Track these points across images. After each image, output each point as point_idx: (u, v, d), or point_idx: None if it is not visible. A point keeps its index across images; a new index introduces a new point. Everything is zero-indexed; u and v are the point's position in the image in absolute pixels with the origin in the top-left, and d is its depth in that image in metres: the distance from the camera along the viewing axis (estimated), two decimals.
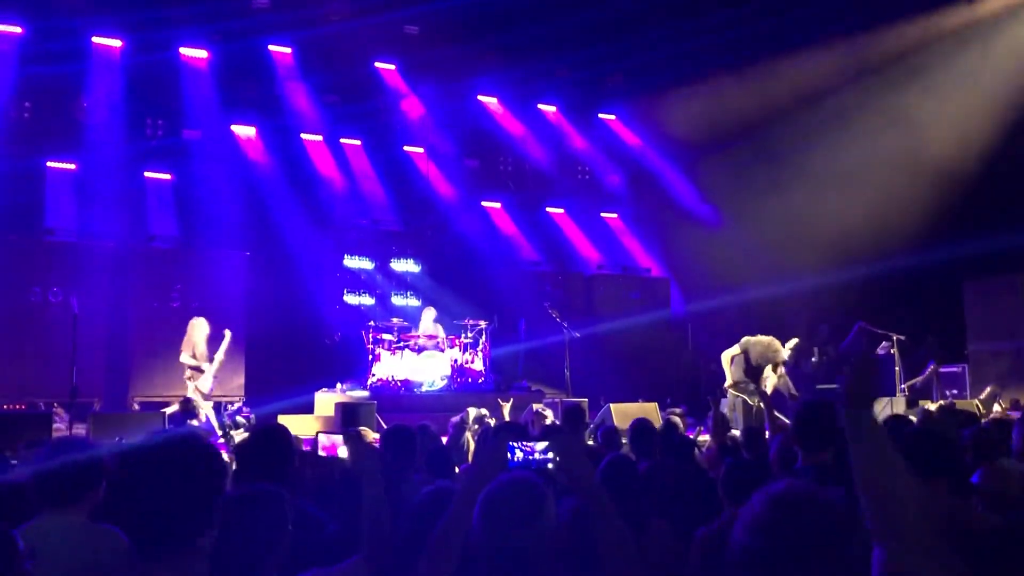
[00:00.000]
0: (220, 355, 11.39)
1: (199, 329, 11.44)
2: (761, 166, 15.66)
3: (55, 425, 9.65)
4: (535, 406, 8.26)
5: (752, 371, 10.74)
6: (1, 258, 13.09)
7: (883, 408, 11.32)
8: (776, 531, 1.57)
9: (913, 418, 6.02)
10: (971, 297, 15.15)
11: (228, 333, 11.43)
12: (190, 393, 10.99)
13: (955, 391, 13.70)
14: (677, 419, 6.92)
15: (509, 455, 2.46)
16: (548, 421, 7.40)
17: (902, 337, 12.81)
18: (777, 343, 10.90)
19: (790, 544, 1.55)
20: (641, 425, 5.23)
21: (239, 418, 10.97)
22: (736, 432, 6.60)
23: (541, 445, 2.47)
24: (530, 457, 2.46)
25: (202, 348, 11.41)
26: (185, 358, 11.32)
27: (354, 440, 3.04)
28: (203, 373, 11.24)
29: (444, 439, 6.85)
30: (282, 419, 11.00)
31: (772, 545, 1.57)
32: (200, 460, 1.83)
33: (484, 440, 5.36)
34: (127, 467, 1.77)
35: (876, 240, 14.28)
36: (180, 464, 1.79)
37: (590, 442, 6.96)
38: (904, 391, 12.60)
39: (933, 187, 13.89)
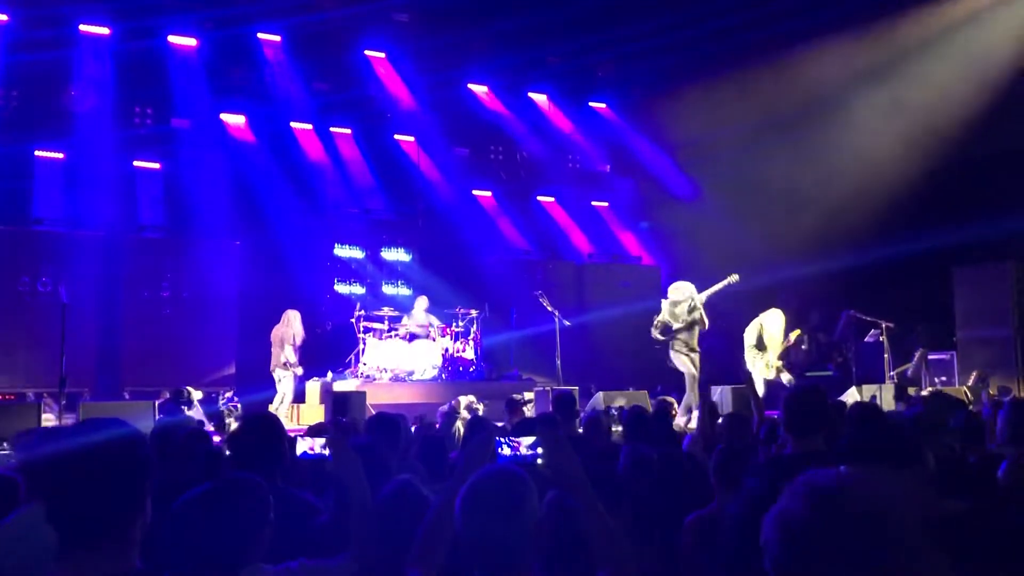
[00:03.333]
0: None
1: (298, 321, 12.07)
2: (751, 154, 15.67)
3: (45, 415, 9.62)
4: (463, 399, 7.72)
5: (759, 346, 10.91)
6: None
7: (870, 397, 11.36)
8: (822, 528, 1.44)
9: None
10: (960, 284, 15.20)
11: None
12: (287, 381, 11.79)
13: (944, 378, 13.78)
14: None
15: (497, 451, 2.44)
16: (466, 414, 6.89)
17: (891, 324, 12.86)
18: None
19: (835, 539, 1.43)
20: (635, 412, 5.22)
21: (229, 407, 11.00)
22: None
23: (528, 440, 2.45)
24: (517, 452, 2.44)
25: (300, 339, 12.00)
26: (289, 351, 11.84)
27: (335, 444, 2.99)
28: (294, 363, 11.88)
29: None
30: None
31: (817, 541, 1.44)
32: (124, 453, 1.84)
33: (472, 432, 5.36)
34: (55, 463, 1.79)
35: (866, 228, 14.32)
36: (104, 458, 1.80)
37: (580, 430, 6.97)
38: (893, 378, 12.67)
39: (922, 175, 13.93)
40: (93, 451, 1.79)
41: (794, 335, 11.19)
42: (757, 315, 11.35)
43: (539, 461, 2.40)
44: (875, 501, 1.43)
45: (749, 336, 11.20)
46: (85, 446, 1.79)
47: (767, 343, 11.01)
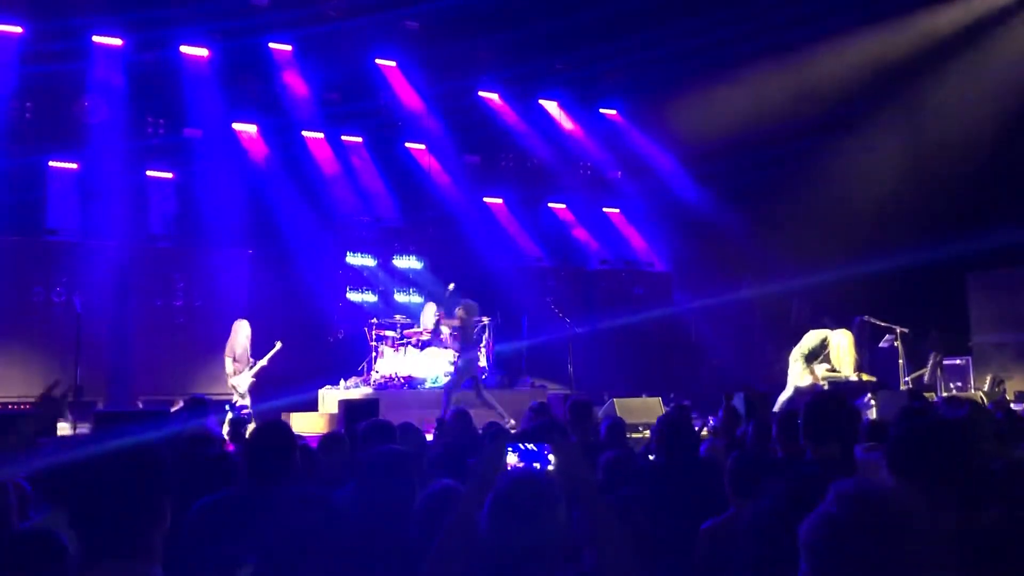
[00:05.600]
0: (264, 361, 11.99)
1: (241, 332, 12.05)
2: (764, 161, 15.62)
3: (59, 424, 9.66)
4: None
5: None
6: (4, 258, 13.13)
7: (883, 402, 11.25)
8: (851, 530, 1.49)
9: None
10: (975, 290, 15.12)
11: (279, 344, 12.09)
12: (237, 393, 11.77)
13: (959, 383, 13.68)
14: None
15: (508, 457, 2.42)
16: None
17: (905, 330, 12.78)
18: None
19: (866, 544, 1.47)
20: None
21: (242, 415, 11.02)
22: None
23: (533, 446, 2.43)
24: (532, 463, 2.42)
25: (241, 350, 11.90)
26: (229, 364, 11.95)
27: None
28: (241, 374, 11.87)
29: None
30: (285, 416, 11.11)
31: (848, 544, 1.48)
32: (142, 461, 1.84)
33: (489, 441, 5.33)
34: (77, 470, 1.79)
35: (880, 233, 14.26)
36: (123, 465, 1.80)
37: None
38: (908, 384, 12.57)
39: (937, 180, 13.85)
40: (112, 459, 1.79)
41: (866, 378, 11.18)
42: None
43: (549, 468, 2.38)
44: (905, 510, 1.47)
45: (805, 344, 11.19)
46: (104, 454, 1.79)
47: (835, 360, 11.00)
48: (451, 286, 12.96)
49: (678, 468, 4.49)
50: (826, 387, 10.92)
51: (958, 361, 14.16)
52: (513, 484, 2.19)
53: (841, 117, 15.14)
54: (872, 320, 13.11)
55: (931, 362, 13.48)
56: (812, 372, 10.97)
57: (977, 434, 3.58)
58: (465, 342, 11.85)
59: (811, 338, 11.25)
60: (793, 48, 14.53)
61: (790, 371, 11.19)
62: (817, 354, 11.11)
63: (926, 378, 13.27)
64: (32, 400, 11.46)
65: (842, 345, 11.06)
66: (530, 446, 2.45)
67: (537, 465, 2.40)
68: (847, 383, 11.24)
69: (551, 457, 2.41)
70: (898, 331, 12.73)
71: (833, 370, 11.04)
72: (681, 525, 3.88)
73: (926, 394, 11.37)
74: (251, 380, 11.95)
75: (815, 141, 15.27)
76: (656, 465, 4.63)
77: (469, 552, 2.25)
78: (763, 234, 15.91)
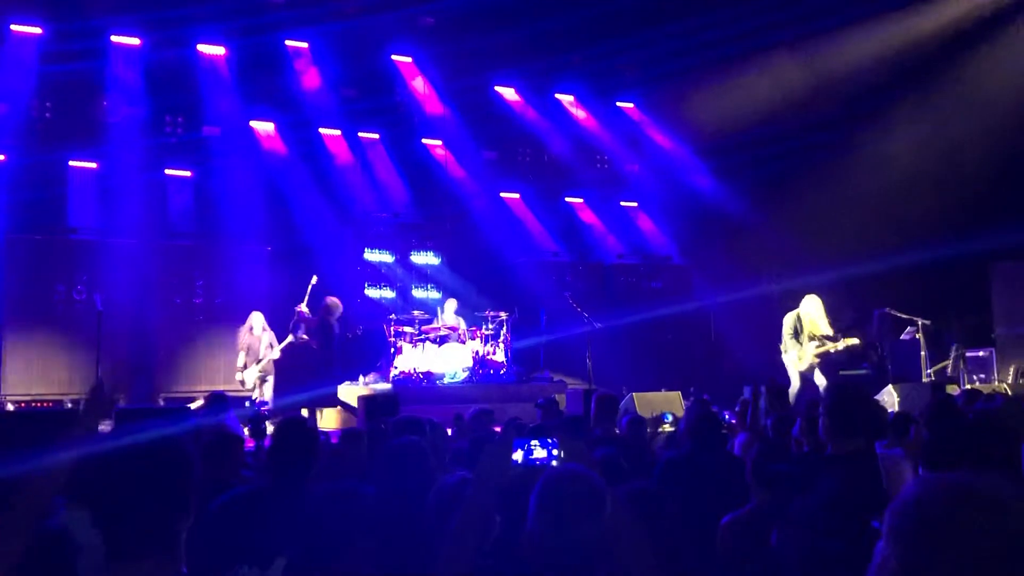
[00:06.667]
0: (274, 353, 11.99)
1: (252, 325, 12.22)
2: (783, 153, 15.51)
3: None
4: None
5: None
6: (25, 257, 13.26)
7: (906, 394, 11.17)
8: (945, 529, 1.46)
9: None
10: (998, 280, 14.94)
11: (291, 336, 12.04)
12: (244, 388, 11.97)
13: (982, 375, 13.54)
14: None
15: (516, 451, 2.43)
16: None
17: (927, 322, 12.66)
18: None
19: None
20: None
21: (262, 410, 11.07)
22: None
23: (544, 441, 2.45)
24: (532, 455, 2.43)
25: (244, 343, 11.95)
26: (240, 358, 12.15)
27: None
28: (248, 368, 12.03)
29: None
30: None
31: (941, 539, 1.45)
32: (167, 457, 1.83)
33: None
34: (99, 468, 1.77)
35: (902, 224, 14.13)
36: (148, 462, 1.79)
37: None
38: (930, 376, 12.47)
39: (959, 171, 13.70)
40: (136, 456, 1.78)
41: (848, 342, 10.99)
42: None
43: (554, 463, 2.39)
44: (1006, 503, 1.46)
45: (786, 327, 11.09)
46: (127, 451, 1.78)
47: (812, 328, 10.86)
48: (314, 278, 12.63)
49: (706, 461, 4.47)
50: (817, 362, 10.80)
51: (981, 353, 13.99)
52: (561, 480, 2.19)
53: (862, 108, 14.99)
54: (894, 312, 13.00)
55: (953, 354, 13.35)
56: (806, 352, 10.86)
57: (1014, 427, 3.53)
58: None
59: (787, 321, 11.14)
60: (813, 38, 14.39)
61: (787, 364, 11.07)
62: (799, 330, 11.00)
63: (949, 370, 13.14)
64: (53, 398, 11.53)
65: (812, 311, 10.95)
66: (550, 440, 2.46)
67: (554, 462, 2.41)
68: (857, 374, 11.12)
69: (554, 451, 2.42)
70: (920, 323, 12.62)
71: (821, 344, 10.91)
72: (703, 519, 3.86)
73: (948, 386, 11.26)
74: (258, 374, 11.98)
75: (835, 133, 15.14)
76: (683, 457, 4.60)
77: (482, 539, 2.26)
78: (783, 227, 15.80)
